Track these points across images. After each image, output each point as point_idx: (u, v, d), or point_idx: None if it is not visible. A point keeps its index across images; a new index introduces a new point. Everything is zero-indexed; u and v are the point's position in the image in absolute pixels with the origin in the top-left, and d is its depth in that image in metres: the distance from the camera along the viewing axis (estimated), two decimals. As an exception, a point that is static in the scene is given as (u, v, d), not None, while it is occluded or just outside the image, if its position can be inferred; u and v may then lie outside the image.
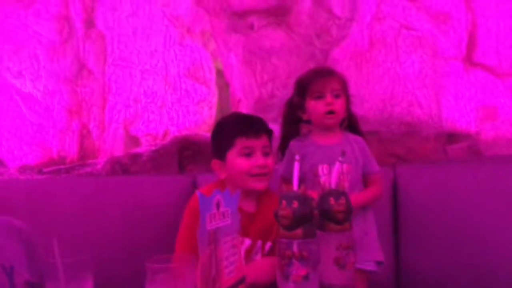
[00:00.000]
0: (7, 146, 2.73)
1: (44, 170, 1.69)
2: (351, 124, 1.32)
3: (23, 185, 1.59)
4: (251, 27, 2.12)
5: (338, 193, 0.92)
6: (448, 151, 1.78)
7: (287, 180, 1.24)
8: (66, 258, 0.64)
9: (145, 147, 1.83)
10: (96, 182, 1.62)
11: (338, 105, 1.24)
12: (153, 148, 1.77)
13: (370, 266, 1.21)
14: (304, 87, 1.26)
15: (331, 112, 1.23)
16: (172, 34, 3.06)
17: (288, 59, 2.00)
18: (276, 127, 2.09)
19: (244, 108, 2.22)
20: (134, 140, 2.84)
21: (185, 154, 1.82)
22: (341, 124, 1.30)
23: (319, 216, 0.89)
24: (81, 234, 1.40)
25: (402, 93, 1.88)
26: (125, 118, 2.92)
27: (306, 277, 0.74)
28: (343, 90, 1.26)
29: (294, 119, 1.31)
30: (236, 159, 1.05)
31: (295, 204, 0.77)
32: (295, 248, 0.73)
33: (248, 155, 1.05)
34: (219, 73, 2.94)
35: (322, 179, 1.21)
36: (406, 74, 1.90)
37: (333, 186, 0.97)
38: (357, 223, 1.18)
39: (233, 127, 1.09)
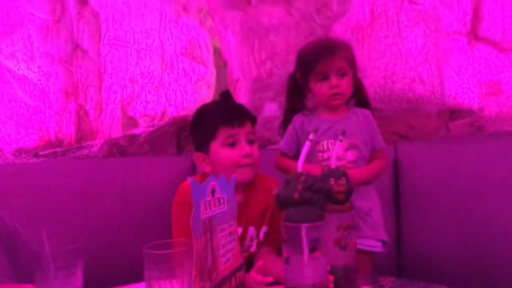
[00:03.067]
0: (3, 129, 2.71)
1: (40, 153, 1.66)
2: (359, 96, 1.25)
3: (18, 169, 1.56)
4: (249, 2, 2.06)
5: (339, 173, 0.90)
6: (450, 128, 1.75)
7: (287, 156, 1.20)
8: (60, 243, 0.62)
9: (142, 128, 1.80)
10: (93, 164, 1.59)
11: (344, 85, 1.17)
12: (151, 129, 1.73)
13: (377, 248, 1.19)
14: (307, 66, 1.20)
15: (337, 94, 1.18)
16: (168, 11, 3.04)
17: (287, 35, 1.94)
18: (274, 106, 2.06)
19: (243, 87, 2.19)
20: (132, 121, 2.82)
21: (183, 135, 1.79)
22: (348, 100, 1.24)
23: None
24: (78, 217, 1.39)
25: (404, 69, 1.84)
26: (122, 98, 2.90)
27: (286, 260, 0.72)
28: (350, 66, 1.19)
29: (298, 93, 1.25)
30: (220, 150, 1.00)
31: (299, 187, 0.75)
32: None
33: (233, 144, 0.99)
34: (217, 51, 2.91)
35: (325, 155, 1.16)
36: (408, 49, 1.85)
37: (332, 165, 0.94)
38: (361, 200, 1.15)
39: (215, 116, 1.02)
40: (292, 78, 1.26)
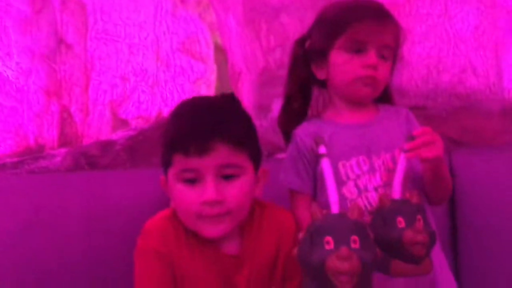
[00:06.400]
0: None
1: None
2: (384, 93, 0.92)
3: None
4: (253, -22, 1.92)
5: (411, 209, 0.55)
6: (517, 130, 1.60)
7: (296, 193, 0.84)
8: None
9: (120, 133, 1.55)
10: (52, 181, 1.30)
11: (383, 70, 0.83)
12: (130, 133, 1.47)
13: None
14: (337, 25, 0.83)
15: (369, 78, 0.81)
16: (164, 3, 2.97)
17: (301, 17, 1.71)
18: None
19: (247, 81, 2.02)
20: (123, 124, 2.73)
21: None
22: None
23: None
24: (31, 250, 1.11)
25: (453, 56, 1.63)
26: (111, 99, 2.80)
27: None
28: (395, 50, 0.87)
29: (307, 70, 0.88)
30: (174, 185, 0.69)
31: (356, 245, 0.41)
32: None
33: (192, 181, 0.67)
34: (218, 47, 2.84)
35: (361, 182, 0.78)
36: (458, 31, 1.65)
37: (396, 195, 0.58)
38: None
39: (172, 134, 0.70)
40: (300, 44, 0.90)
